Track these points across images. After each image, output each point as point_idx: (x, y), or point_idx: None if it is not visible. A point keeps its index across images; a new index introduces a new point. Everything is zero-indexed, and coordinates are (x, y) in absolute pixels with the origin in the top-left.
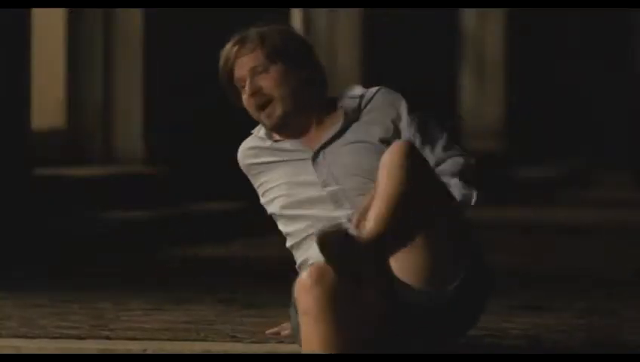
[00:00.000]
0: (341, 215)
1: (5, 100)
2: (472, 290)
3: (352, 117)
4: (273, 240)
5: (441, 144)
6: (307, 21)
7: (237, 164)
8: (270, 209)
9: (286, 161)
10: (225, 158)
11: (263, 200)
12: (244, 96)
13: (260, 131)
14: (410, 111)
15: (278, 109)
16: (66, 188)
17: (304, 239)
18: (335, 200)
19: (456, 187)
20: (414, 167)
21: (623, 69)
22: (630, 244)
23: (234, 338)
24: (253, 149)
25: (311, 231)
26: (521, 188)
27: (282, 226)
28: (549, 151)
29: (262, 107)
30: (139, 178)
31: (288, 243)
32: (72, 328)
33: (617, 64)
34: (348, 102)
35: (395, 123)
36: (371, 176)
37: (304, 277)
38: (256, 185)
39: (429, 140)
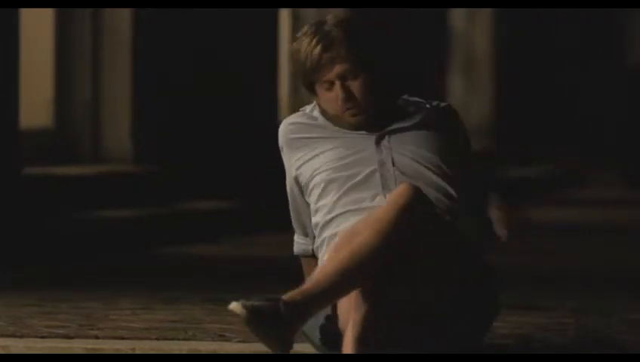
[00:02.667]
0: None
1: None
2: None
3: (423, 118)
4: (262, 240)
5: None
6: (295, 20)
7: (227, 163)
8: (306, 179)
9: (335, 137)
10: (214, 157)
11: (295, 172)
12: (331, 94)
13: (313, 111)
14: (464, 136)
15: (362, 113)
16: (54, 188)
17: (339, 215)
18: (384, 182)
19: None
20: (411, 216)
21: (613, 67)
22: (620, 243)
23: (222, 338)
24: (295, 125)
25: (347, 208)
26: (512, 188)
27: (316, 198)
28: (540, 150)
29: (348, 108)
30: (128, 177)
31: (317, 219)
32: (60, 327)
33: (607, 63)
34: (418, 105)
35: (450, 142)
36: (431, 165)
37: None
38: (291, 159)
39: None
